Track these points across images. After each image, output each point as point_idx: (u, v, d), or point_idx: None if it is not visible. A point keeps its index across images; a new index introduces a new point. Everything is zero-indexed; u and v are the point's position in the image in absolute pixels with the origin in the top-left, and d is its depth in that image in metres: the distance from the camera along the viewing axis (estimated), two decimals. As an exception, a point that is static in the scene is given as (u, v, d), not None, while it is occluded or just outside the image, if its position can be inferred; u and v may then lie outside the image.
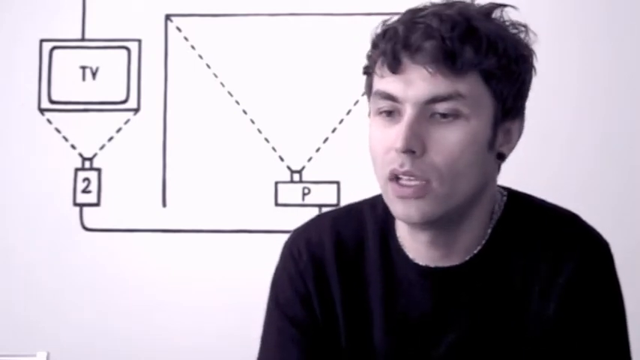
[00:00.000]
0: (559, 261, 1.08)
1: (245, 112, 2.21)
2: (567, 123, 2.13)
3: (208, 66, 2.22)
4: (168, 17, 2.24)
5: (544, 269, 1.09)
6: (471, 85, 1.03)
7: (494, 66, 1.03)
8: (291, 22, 2.21)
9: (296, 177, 2.20)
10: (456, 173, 1.03)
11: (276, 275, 1.21)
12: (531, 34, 1.09)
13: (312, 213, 2.14)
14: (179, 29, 2.23)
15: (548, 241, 1.10)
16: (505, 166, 1.15)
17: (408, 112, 1.03)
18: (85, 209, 2.21)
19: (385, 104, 1.05)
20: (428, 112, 1.03)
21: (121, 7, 2.24)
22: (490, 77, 1.03)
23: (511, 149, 1.10)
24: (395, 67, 1.04)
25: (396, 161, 1.03)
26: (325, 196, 2.18)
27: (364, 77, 1.11)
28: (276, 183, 2.20)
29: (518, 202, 1.14)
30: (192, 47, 2.23)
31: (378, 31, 1.07)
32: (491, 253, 1.10)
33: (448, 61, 1.01)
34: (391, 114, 1.05)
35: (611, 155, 2.13)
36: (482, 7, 1.08)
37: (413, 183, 1.03)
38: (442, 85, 1.02)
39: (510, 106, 1.06)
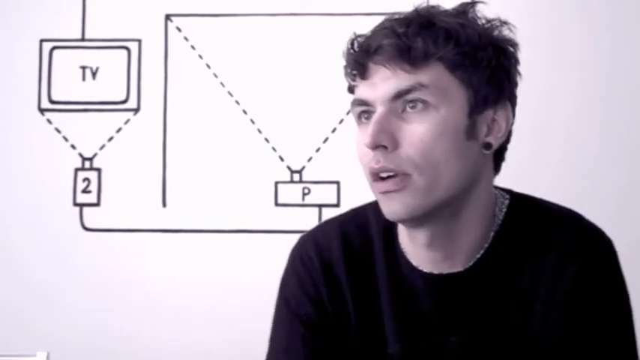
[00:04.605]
0: (562, 264, 1.08)
1: (245, 112, 2.21)
2: (567, 123, 2.13)
3: (208, 66, 2.22)
4: (168, 17, 2.24)
5: (548, 273, 1.09)
6: (433, 75, 1.04)
7: (455, 54, 1.04)
8: (291, 22, 2.21)
9: (296, 177, 2.20)
10: (433, 163, 1.04)
11: (284, 280, 1.21)
12: (509, 28, 1.10)
13: (312, 213, 2.18)
14: (179, 29, 2.23)
15: (551, 244, 1.10)
16: (505, 166, 1.15)
17: (378, 110, 1.05)
18: (85, 209, 2.21)
19: (361, 110, 1.08)
20: (398, 109, 1.05)
21: (121, 7, 2.24)
22: (455, 66, 1.05)
23: (500, 140, 1.10)
24: (362, 73, 1.08)
25: (373, 160, 1.05)
26: (325, 196, 2.18)
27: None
28: (276, 183, 2.20)
29: (521, 205, 1.14)
30: (192, 47, 2.23)
31: (347, 46, 1.11)
32: (495, 258, 1.10)
33: (405, 55, 1.04)
34: (368, 118, 1.07)
35: (611, 155, 2.13)
36: (447, 9, 1.10)
37: (392, 178, 1.04)
38: (403, 79, 1.04)
39: (485, 93, 1.07)
